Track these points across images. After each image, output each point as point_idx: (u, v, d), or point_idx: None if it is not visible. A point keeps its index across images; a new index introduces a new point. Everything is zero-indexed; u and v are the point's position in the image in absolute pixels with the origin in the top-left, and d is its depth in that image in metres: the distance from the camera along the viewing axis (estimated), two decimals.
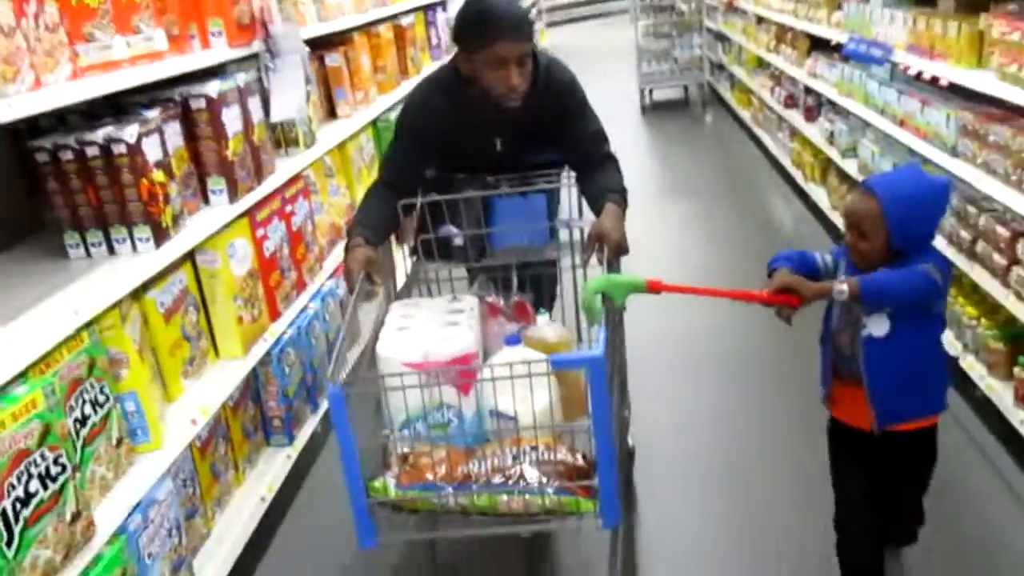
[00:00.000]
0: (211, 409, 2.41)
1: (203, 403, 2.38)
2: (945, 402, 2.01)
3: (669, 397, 3.40)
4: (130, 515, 1.97)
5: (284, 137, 3.12)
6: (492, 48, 2.25)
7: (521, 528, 1.88)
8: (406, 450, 1.88)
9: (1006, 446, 2.82)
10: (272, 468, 2.81)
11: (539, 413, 1.83)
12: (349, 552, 2.59)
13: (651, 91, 9.57)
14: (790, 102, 5.95)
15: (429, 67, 5.40)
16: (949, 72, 3.12)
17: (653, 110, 9.43)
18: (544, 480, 1.77)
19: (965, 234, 3.08)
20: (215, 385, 2.49)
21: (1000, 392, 2.85)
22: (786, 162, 6.07)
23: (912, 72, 3.50)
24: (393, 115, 4.56)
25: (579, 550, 2.54)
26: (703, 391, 3.47)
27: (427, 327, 2.08)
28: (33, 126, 2.35)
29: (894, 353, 1.90)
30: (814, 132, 5.24)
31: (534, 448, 1.82)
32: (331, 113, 3.92)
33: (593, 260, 2.27)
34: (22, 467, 1.59)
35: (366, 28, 4.32)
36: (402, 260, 2.62)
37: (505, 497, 1.79)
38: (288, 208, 3.00)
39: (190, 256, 2.47)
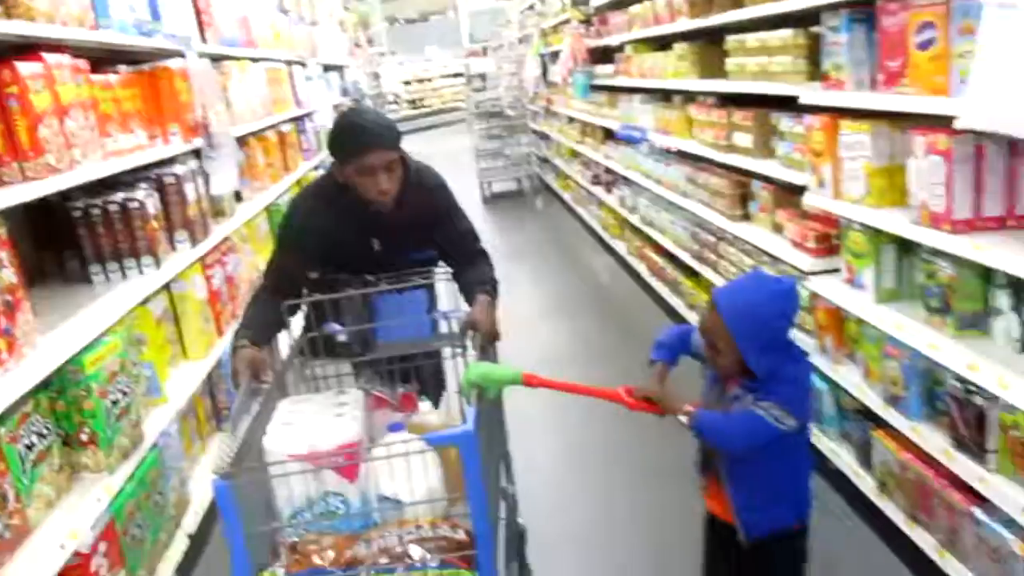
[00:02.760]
0: (188, 392, 3.42)
1: (183, 388, 3.40)
2: (810, 505, 2.04)
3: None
4: (158, 438, 2.98)
5: (214, 209, 4.22)
6: (362, 158, 2.41)
7: None
8: (295, 540, 1.90)
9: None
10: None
11: (421, 494, 1.91)
12: None
13: (490, 184, 11.12)
14: (595, 180, 7.54)
15: (303, 165, 6.64)
16: (677, 143, 4.66)
17: (493, 199, 10.96)
18: (428, 556, 1.81)
19: (698, 247, 4.56)
20: (188, 377, 3.50)
21: None
22: (597, 227, 7.62)
23: (659, 145, 5.05)
24: (281, 199, 5.77)
25: None
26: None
27: (313, 420, 2.11)
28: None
29: (757, 470, 1.92)
30: (612, 200, 6.79)
31: (419, 527, 1.87)
32: (236, 198, 5.04)
33: (471, 350, 2.35)
34: (113, 383, 2.63)
35: (258, 133, 5.50)
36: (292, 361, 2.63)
37: None
38: (224, 259, 4.09)
39: (166, 286, 3.52)
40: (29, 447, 2.30)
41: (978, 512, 2.25)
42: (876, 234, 2.64)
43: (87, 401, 2.50)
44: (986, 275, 2.27)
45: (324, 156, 7.62)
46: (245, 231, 4.82)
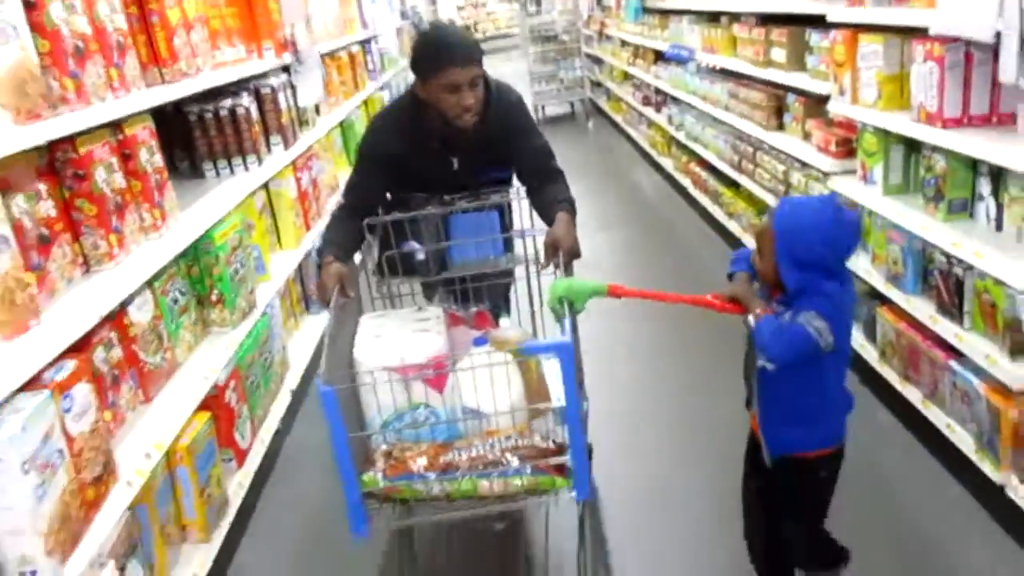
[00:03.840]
0: (284, 275, 3.97)
1: (281, 270, 3.94)
2: (839, 438, 2.04)
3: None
4: (266, 307, 3.54)
5: (300, 118, 4.72)
6: (446, 73, 2.41)
7: (500, 507, 1.96)
8: (389, 447, 1.99)
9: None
10: (310, 331, 4.36)
11: (505, 406, 1.98)
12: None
13: (543, 107, 11.46)
14: (646, 101, 7.86)
15: (370, 84, 7.09)
16: (721, 61, 5.00)
17: (547, 123, 11.29)
18: (521, 462, 1.88)
19: (737, 158, 4.94)
20: (284, 262, 4.04)
21: None
22: (646, 146, 7.98)
23: (705, 64, 5.38)
24: (354, 115, 6.26)
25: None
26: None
27: (398, 335, 2.17)
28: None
29: (783, 387, 1.94)
30: (661, 119, 7.13)
31: (508, 437, 1.94)
32: (316, 111, 5.52)
33: (551, 268, 2.36)
34: (234, 255, 3.17)
35: (332, 53, 5.95)
36: (365, 277, 2.72)
37: (486, 482, 1.89)
38: (309, 163, 4.60)
39: (264, 184, 4.04)
40: (175, 301, 2.85)
41: (954, 364, 2.69)
42: (885, 135, 3.02)
43: (216, 268, 3.05)
44: (973, 166, 2.66)
45: (389, 76, 8.07)
46: (325, 141, 5.32)
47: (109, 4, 2.51)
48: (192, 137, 3.71)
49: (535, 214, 2.61)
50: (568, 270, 2.33)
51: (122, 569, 2.14)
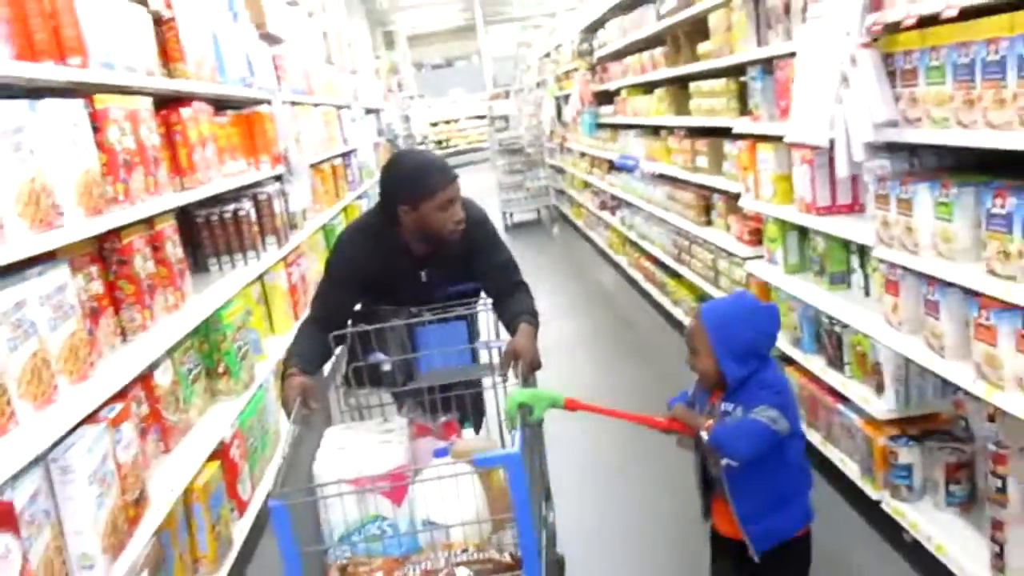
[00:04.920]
0: (277, 356, 4.48)
1: (274, 352, 4.46)
2: (810, 512, 2.18)
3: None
4: (263, 381, 4.04)
5: (291, 221, 5.33)
6: (445, 191, 2.55)
7: None
8: (344, 561, 1.97)
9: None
10: None
11: (466, 518, 1.98)
12: None
13: (512, 214, 12.25)
14: (603, 206, 8.61)
15: (349, 194, 7.77)
16: (660, 167, 5.73)
17: (514, 228, 12.07)
18: None
19: (676, 251, 5.60)
20: (276, 346, 4.57)
21: None
22: (604, 246, 8.69)
23: (647, 171, 6.12)
24: (335, 220, 6.90)
25: None
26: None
27: (360, 448, 2.17)
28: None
29: (753, 480, 2.04)
30: (616, 221, 7.85)
31: (465, 551, 1.93)
32: (303, 215, 6.15)
33: (512, 378, 2.41)
34: (238, 334, 3.70)
35: (317, 165, 6.63)
36: (334, 390, 2.70)
37: None
38: (298, 260, 5.19)
39: (260, 277, 4.60)
40: (189, 370, 3.37)
41: (840, 407, 3.25)
42: (782, 224, 3.67)
43: (224, 343, 3.58)
44: (845, 245, 3.30)
45: (367, 186, 8.78)
46: (310, 241, 5.93)
47: (147, 126, 3.13)
48: (199, 237, 4.30)
49: (501, 326, 2.68)
50: (528, 381, 2.40)
51: (153, 574, 2.59)
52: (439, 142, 24.19)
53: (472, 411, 2.71)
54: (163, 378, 3.09)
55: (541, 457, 2.47)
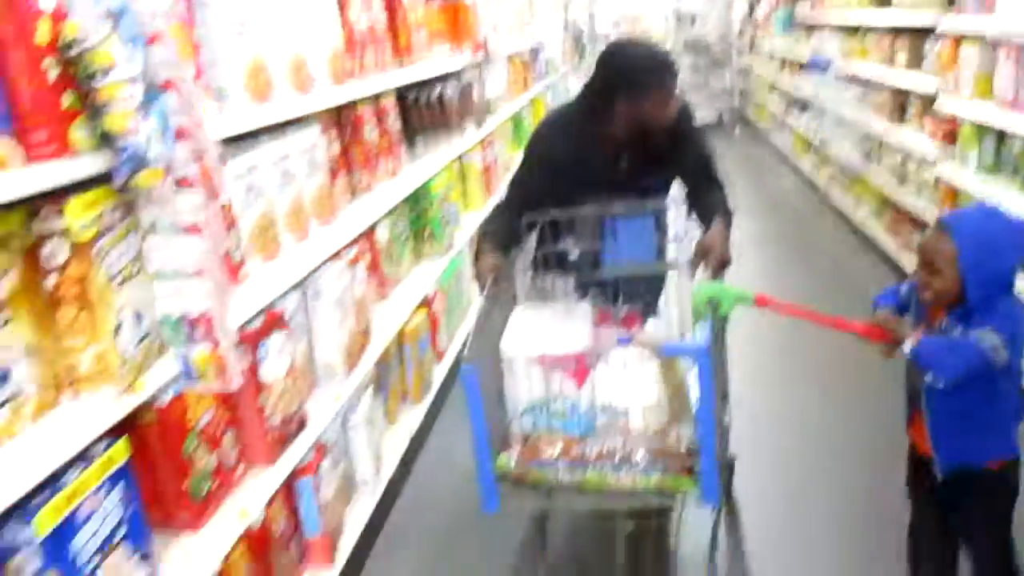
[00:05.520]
0: (471, 230, 4.90)
1: (469, 225, 4.88)
2: (1014, 447, 2.01)
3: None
4: (461, 247, 4.47)
5: (487, 106, 5.68)
6: (670, 87, 2.52)
7: (628, 503, 2.00)
8: (526, 433, 2.05)
9: None
10: None
11: (644, 406, 2.01)
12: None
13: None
14: (788, 108, 8.43)
15: (536, 85, 8.03)
16: (856, 67, 5.62)
17: None
18: (650, 461, 1.90)
19: (863, 153, 5.53)
20: (471, 219, 4.98)
21: None
22: (787, 151, 8.55)
23: (842, 71, 6.00)
24: (522, 112, 7.21)
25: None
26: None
27: (546, 328, 2.22)
28: None
29: (955, 402, 1.93)
30: (801, 123, 7.72)
31: (643, 436, 1.96)
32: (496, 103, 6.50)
33: (699, 273, 2.38)
34: (442, 204, 4.11)
35: (508, 57, 6.92)
36: (522, 272, 2.73)
37: (614, 475, 1.92)
38: (492, 144, 5.55)
39: (459, 156, 5.00)
40: (401, 231, 3.82)
41: None
42: (978, 126, 3.63)
43: (431, 210, 4.00)
44: None
45: (553, 80, 8.99)
46: (501, 128, 6.29)
47: (378, 6, 3.50)
48: (408, 115, 4.72)
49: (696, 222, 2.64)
50: (717, 277, 2.36)
51: (374, 392, 3.09)
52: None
53: (654, 306, 2.70)
54: (382, 235, 3.54)
55: (723, 355, 2.43)
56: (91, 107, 1.54)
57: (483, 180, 5.25)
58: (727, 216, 2.59)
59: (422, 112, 4.72)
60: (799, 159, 7.92)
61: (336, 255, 2.87)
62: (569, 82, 9.58)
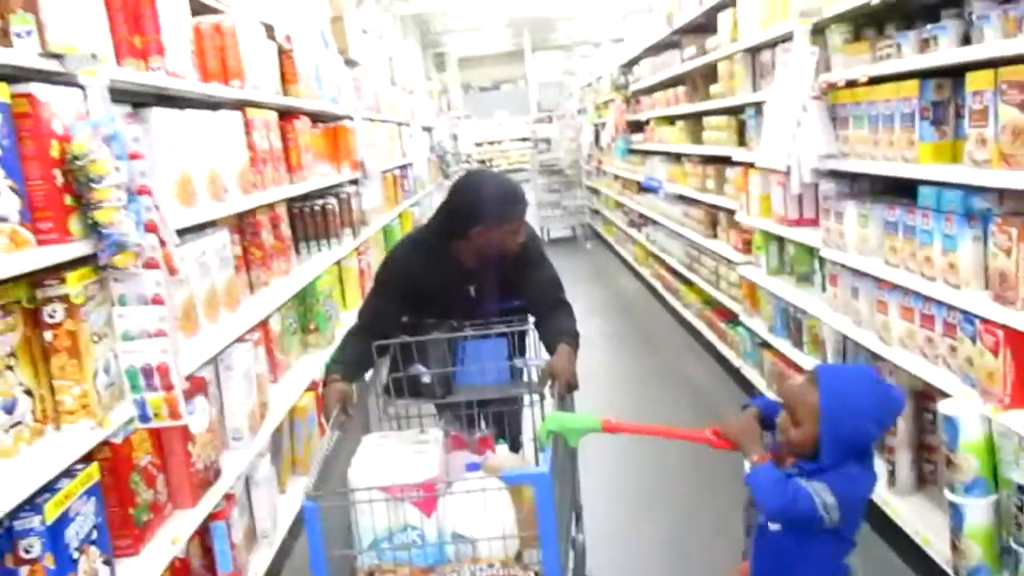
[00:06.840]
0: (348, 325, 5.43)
1: (346, 322, 5.41)
2: None
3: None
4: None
5: (362, 218, 6.31)
6: (520, 217, 2.66)
7: None
8: (372, 568, 2.00)
9: None
10: None
11: (494, 533, 1.98)
12: None
13: (548, 230, 13.20)
14: (631, 223, 9.52)
15: (405, 201, 8.77)
16: (678, 189, 6.65)
17: (551, 243, 12.99)
18: None
19: (688, 260, 6.49)
20: (348, 317, 5.52)
21: None
22: (631, 260, 9.60)
23: (669, 192, 7.03)
24: (392, 224, 7.89)
25: None
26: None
27: (395, 456, 2.19)
28: None
29: (781, 550, 1.88)
30: (641, 237, 8.76)
31: (491, 566, 1.92)
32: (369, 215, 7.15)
33: (550, 397, 2.41)
34: (325, 300, 4.66)
35: (384, 173, 7.63)
36: (374, 398, 2.73)
37: None
38: (366, 251, 6.16)
39: (337, 261, 5.57)
40: (290, 324, 4.33)
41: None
42: (764, 234, 4.56)
43: (316, 306, 4.54)
44: (809, 250, 4.18)
45: (420, 196, 9.78)
46: (375, 237, 6.93)
47: (275, 133, 4.13)
48: (296, 224, 5.29)
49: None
50: (564, 401, 2.39)
51: (271, 459, 3.54)
52: (482, 161, 25.21)
53: (510, 428, 2.70)
54: (275, 325, 4.05)
55: (573, 477, 2.45)
56: (85, 204, 2.07)
57: (359, 282, 5.83)
58: (573, 340, 2.64)
59: (307, 220, 5.30)
60: (641, 266, 8.94)
61: (241, 338, 3.37)
62: (434, 199, 10.40)
